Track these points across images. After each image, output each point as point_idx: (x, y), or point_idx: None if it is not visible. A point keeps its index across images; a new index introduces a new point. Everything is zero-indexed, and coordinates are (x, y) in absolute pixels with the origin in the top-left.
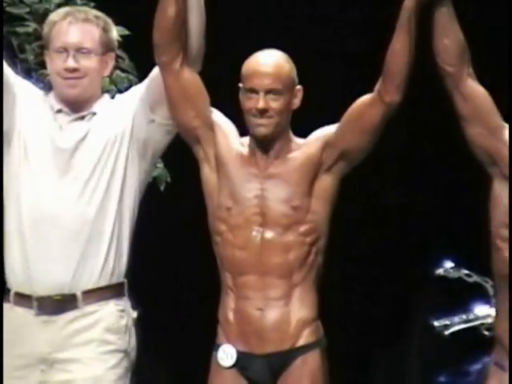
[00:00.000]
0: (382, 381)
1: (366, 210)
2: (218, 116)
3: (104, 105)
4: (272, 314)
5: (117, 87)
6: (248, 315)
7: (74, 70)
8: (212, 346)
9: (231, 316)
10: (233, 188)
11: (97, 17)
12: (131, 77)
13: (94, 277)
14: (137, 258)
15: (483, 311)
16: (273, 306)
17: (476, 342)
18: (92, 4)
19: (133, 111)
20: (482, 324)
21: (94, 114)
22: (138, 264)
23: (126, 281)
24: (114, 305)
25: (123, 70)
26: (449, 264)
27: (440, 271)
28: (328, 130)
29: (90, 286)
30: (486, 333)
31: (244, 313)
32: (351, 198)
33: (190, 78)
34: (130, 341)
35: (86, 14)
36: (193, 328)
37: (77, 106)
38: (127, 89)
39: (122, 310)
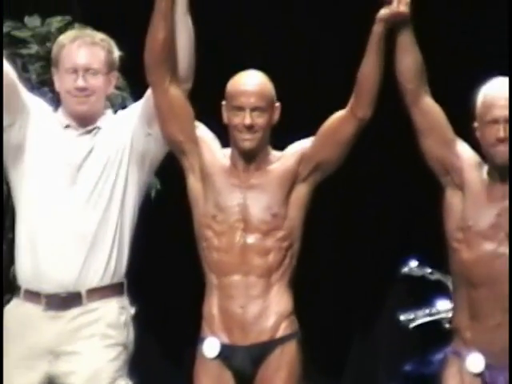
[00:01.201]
0: (354, 370)
1: (336, 214)
2: (202, 131)
3: (107, 120)
4: (253, 310)
5: (111, 103)
6: (231, 312)
7: (84, 88)
8: (197, 340)
9: (215, 312)
10: (217, 198)
11: (102, 40)
12: (124, 94)
13: (97, 276)
14: (132, 260)
15: (444, 306)
16: (253, 302)
17: (438, 333)
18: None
19: (132, 127)
20: (444, 318)
21: (99, 128)
22: (133, 265)
23: (125, 280)
24: (115, 302)
25: (117, 88)
26: (413, 263)
27: (405, 270)
28: (304, 144)
29: (94, 284)
30: (447, 325)
31: (228, 309)
32: (322, 203)
33: (177, 95)
34: (128, 335)
35: (93, 37)
36: (181, 322)
37: (84, 122)
38: (120, 105)
39: (122, 307)
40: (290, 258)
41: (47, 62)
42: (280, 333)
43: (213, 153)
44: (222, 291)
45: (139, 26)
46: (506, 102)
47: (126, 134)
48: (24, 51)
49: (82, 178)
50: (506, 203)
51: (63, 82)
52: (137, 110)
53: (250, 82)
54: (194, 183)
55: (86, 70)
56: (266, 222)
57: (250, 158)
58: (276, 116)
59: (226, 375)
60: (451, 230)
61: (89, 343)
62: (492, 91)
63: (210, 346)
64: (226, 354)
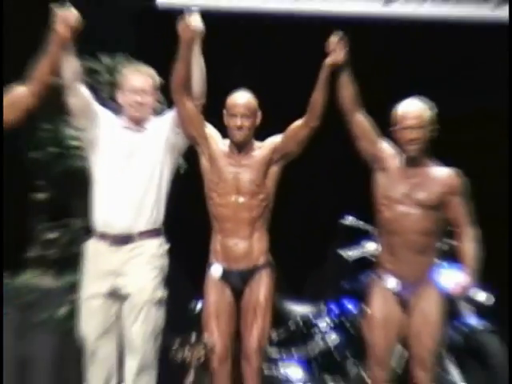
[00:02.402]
0: (311, 288)
1: (298, 184)
2: (210, 129)
3: (152, 123)
4: (243, 246)
5: (154, 112)
6: (229, 247)
7: (140, 103)
8: (206, 264)
9: (218, 247)
10: (220, 172)
11: (149, 71)
12: (162, 106)
13: (144, 223)
14: (166, 213)
15: (371, 247)
16: (243, 241)
17: (366, 264)
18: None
19: (167, 127)
20: (370, 254)
21: (146, 129)
22: (167, 216)
23: (162, 226)
24: (156, 241)
25: (158, 102)
26: (351, 218)
27: (346, 222)
28: (276, 140)
29: (142, 229)
30: (373, 259)
31: (226, 246)
32: (288, 177)
33: (191, 108)
34: (163, 263)
35: (146, 70)
36: (197, 254)
37: (137, 124)
38: (160, 112)
39: (160, 244)
40: (267, 213)
41: (112, 85)
42: (260, 262)
43: (216, 143)
44: (222, 234)
45: (170, 62)
46: (414, 115)
47: (163, 132)
48: (98, 78)
49: (135, 159)
50: (414, 180)
51: (126, 98)
52: (169, 117)
53: (241, 98)
54: (204, 163)
55: (142, 90)
56: (252, 189)
57: (240, 147)
58: (258, 120)
59: (226, 289)
60: (378, 198)
61: (138, 267)
62: (405, 107)
63: (216, 270)
64: (226, 276)
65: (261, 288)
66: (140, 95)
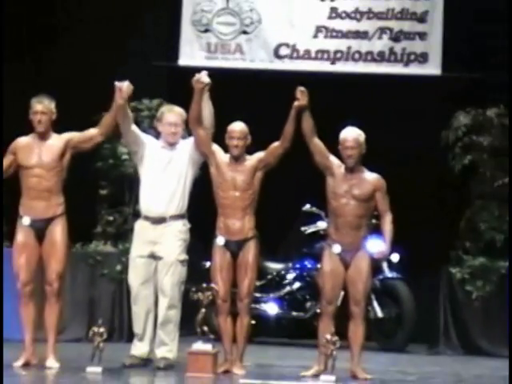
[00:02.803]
0: (282, 253)
1: (276, 182)
2: (216, 147)
3: (180, 144)
4: (238, 225)
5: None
6: (228, 225)
7: (174, 133)
8: (213, 236)
9: (222, 225)
10: (222, 175)
11: (180, 110)
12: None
13: (174, 209)
14: (190, 202)
15: (322, 225)
16: (238, 221)
17: (319, 236)
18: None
19: (190, 148)
20: (321, 229)
21: (176, 148)
22: (190, 205)
23: (187, 212)
24: (181, 221)
25: (184, 130)
26: (309, 206)
27: (305, 208)
28: (260, 154)
29: (172, 213)
30: (322, 232)
31: (227, 224)
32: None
33: (203, 135)
34: (186, 236)
35: (178, 109)
36: (207, 229)
37: (171, 145)
38: (184, 136)
39: (184, 224)
40: (254, 202)
41: (152, 119)
42: (249, 235)
43: (220, 157)
44: (224, 216)
45: (189, 104)
46: (351, 138)
47: (188, 151)
48: (141, 114)
49: (169, 168)
50: (352, 182)
51: (164, 129)
52: (191, 141)
53: (237, 126)
54: (213, 170)
55: (175, 124)
56: (244, 186)
57: (236, 159)
58: (248, 141)
59: (226, 253)
60: (328, 193)
61: (169, 238)
62: (345, 133)
63: (220, 240)
64: (226, 244)
65: (250, 252)
66: (174, 127)
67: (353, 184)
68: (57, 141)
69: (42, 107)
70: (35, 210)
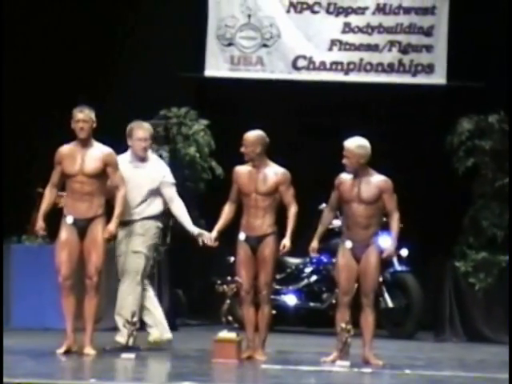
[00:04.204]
0: (301, 247)
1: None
2: (236, 181)
3: (152, 162)
4: (258, 222)
5: None
6: (250, 223)
7: (144, 148)
8: (238, 234)
9: (244, 223)
10: (244, 181)
11: (148, 126)
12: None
13: (147, 212)
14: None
15: (337, 223)
16: (259, 219)
17: (335, 233)
18: None
19: (161, 180)
20: (337, 227)
21: (146, 163)
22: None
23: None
24: (153, 221)
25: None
26: (324, 205)
27: (321, 207)
28: (281, 177)
29: (145, 215)
30: (337, 230)
31: (249, 221)
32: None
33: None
34: (154, 234)
35: (146, 125)
36: (232, 228)
37: (142, 160)
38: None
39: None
40: (276, 204)
41: (180, 125)
42: (269, 231)
43: (242, 173)
44: (247, 215)
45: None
46: (347, 149)
47: (159, 179)
48: (170, 121)
49: (139, 178)
50: (361, 186)
51: (134, 144)
52: (164, 174)
53: (248, 136)
54: (237, 181)
55: (144, 139)
56: (264, 190)
57: (257, 168)
58: (261, 150)
59: (248, 248)
60: (341, 198)
61: (137, 237)
62: (345, 143)
63: (242, 236)
64: (247, 239)
65: (268, 247)
66: (143, 142)
67: (361, 189)
68: (99, 152)
69: (84, 116)
70: (78, 210)
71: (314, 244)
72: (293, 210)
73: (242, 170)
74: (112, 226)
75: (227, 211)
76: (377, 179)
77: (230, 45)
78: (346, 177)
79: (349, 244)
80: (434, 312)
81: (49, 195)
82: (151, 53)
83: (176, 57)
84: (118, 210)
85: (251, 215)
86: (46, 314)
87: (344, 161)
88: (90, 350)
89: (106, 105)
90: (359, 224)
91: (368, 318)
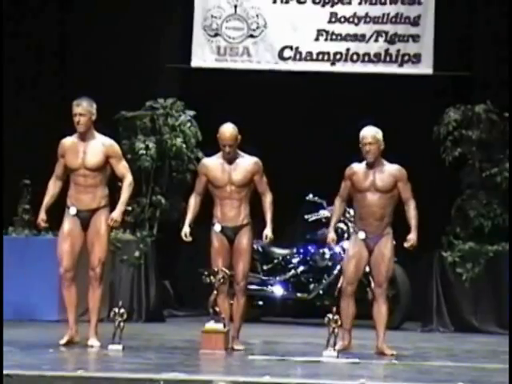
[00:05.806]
0: (288, 237)
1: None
2: (204, 173)
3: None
4: (233, 213)
5: None
6: (225, 214)
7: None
8: (211, 224)
9: (219, 214)
10: (215, 174)
11: (85, 103)
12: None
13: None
14: None
15: (324, 213)
16: (234, 210)
17: (322, 223)
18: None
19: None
20: (325, 217)
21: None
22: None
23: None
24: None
25: None
26: (311, 195)
27: (309, 197)
28: (253, 166)
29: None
30: (324, 220)
31: (223, 212)
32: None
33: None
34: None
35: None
36: (205, 217)
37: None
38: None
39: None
40: (250, 193)
41: (166, 116)
42: (245, 222)
43: (213, 166)
44: (221, 206)
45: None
46: (369, 135)
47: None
48: (156, 111)
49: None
50: (376, 175)
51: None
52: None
53: (227, 129)
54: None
55: (79, 114)
56: (240, 184)
57: (229, 160)
58: (237, 143)
59: (224, 238)
60: (354, 188)
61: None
62: (364, 132)
63: (217, 227)
64: (223, 230)
65: (244, 238)
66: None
67: (375, 177)
68: (100, 144)
69: (81, 109)
70: (81, 201)
71: (332, 235)
72: (269, 199)
73: (212, 162)
74: (116, 213)
75: (194, 204)
76: (391, 168)
77: (216, 35)
78: (358, 166)
79: (362, 235)
80: (422, 302)
81: (52, 188)
82: (137, 44)
83: (162, 48)
84: (123, 197)
85: (226, 206)
86: (32, 306)
87: (367, 148)
88: (94, 342)
89: (93, 96)
90: (374, 214)
91: (381, 309)
